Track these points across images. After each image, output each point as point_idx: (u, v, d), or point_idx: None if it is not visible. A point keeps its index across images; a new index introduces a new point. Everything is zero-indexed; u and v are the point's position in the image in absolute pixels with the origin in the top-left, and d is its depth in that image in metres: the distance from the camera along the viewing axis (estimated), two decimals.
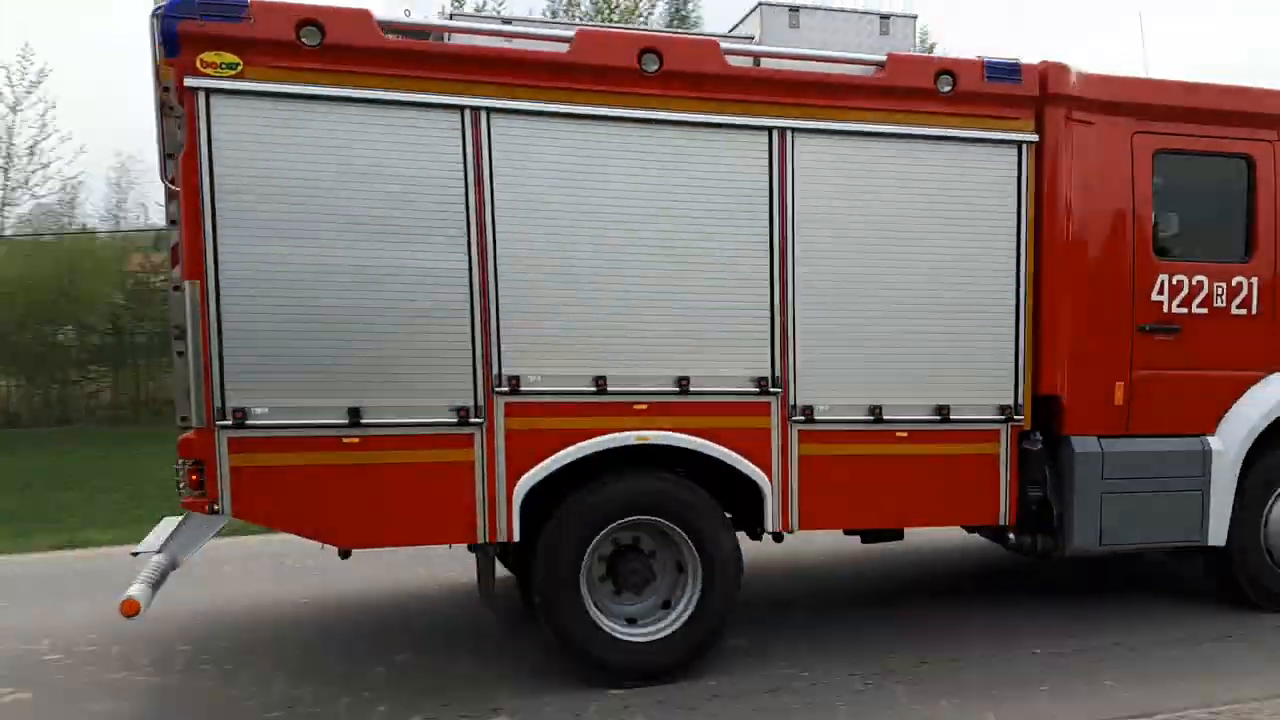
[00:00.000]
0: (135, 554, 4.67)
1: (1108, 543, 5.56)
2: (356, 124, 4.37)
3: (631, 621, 5.04)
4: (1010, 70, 5.26)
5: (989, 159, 5.28)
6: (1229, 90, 5.72)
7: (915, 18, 5.58)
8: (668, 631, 5.00)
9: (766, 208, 4.92)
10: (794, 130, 4.92)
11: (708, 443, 4.91)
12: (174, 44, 4.15)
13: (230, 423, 4.29)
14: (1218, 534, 5.73)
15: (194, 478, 4.34)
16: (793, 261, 4.96)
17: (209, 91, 4.18)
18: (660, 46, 4.77)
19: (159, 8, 4.17)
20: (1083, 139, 5.42)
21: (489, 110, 4.52)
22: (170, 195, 4.53)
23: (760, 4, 5.33)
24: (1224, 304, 5.77)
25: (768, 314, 4.95)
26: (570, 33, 4.73)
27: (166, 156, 4.60)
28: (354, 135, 4.37)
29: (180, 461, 4.38)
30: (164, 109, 4.53)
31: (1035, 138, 5.33)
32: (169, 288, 4.76)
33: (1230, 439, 5.75)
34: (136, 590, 4.14)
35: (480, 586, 5.16)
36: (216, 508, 4.35)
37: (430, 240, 4.48)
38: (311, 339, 4.39)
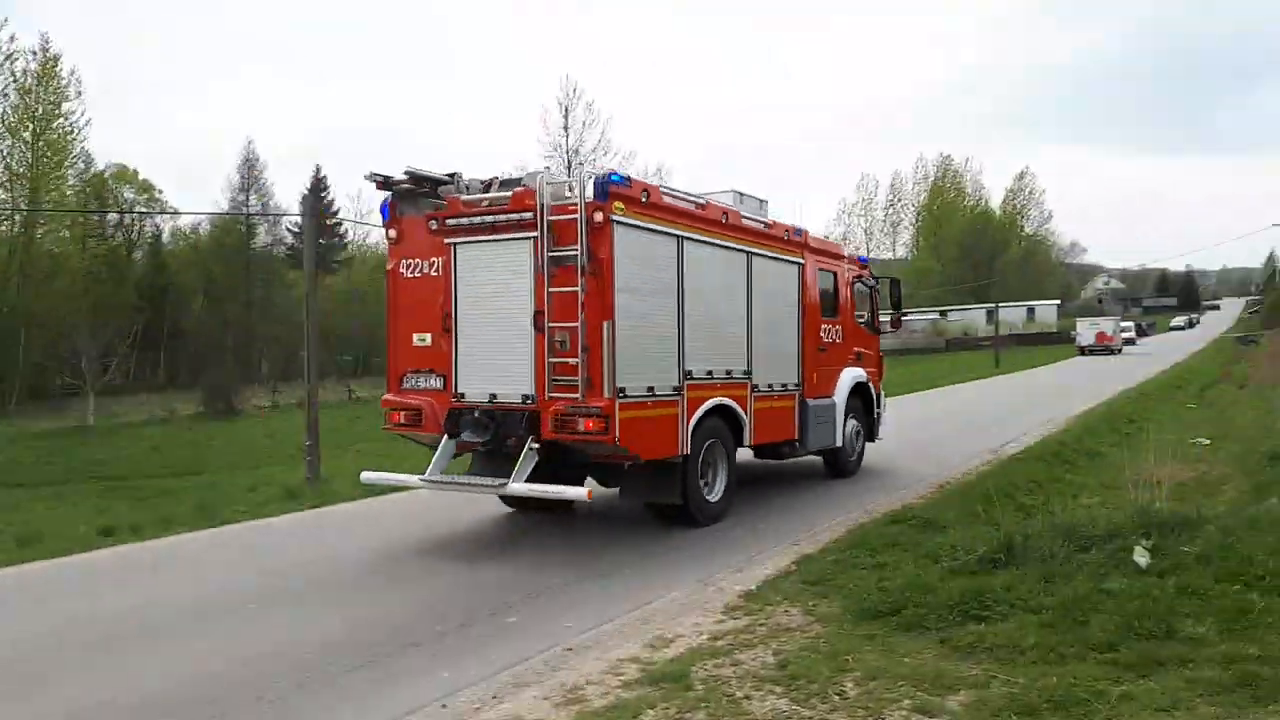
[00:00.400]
0: (427, 480, 8.84)
1: (813, 448, 11.83)
2: (653, 239, 8.81)
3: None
4: (800, 231, 11.59)
5: (789, 269, 11.36)
6: (829, 242, 13.31)
7: (766, 201, 11.39)
8: (718, 496, 9.74)
9: (786, 290, 11.31)
10: (757, 256, 10.50)
11: (733, 402, 9.90)
12: (604, 197, 8.18)
13: (619, 396, 8.26)
14: (839, 441, 12.41)
15: (595, 424, 8.15)
16: (763, 311, 10.59)
17: (609, 219, 8.22)
18: (729, 213, 9.99)
19: (601, 176, 8.27)
20: (812, 266, 11.86)
21: (682, 238, 9.13)
22: (582, 271, 8.16)
23: (732, 191, 10.90)
24: (832, 338, 12.43)
25: (753, 337, 10.37)
26: (703, 200, 9.61)
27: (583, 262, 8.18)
28: (655, 244, 8.83)
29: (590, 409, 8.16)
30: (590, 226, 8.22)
31: (803, 262, 11.62)
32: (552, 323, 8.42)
33: (839, 397, 12.46)
34: (578, 491, 8.26)
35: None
36: (614, 440, 8.21)
37: (668, 299, 9.01)
38: (645, 353, 8.62)
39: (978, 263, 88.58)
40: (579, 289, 8.12)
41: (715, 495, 9.64)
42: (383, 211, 9.39)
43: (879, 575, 6.70)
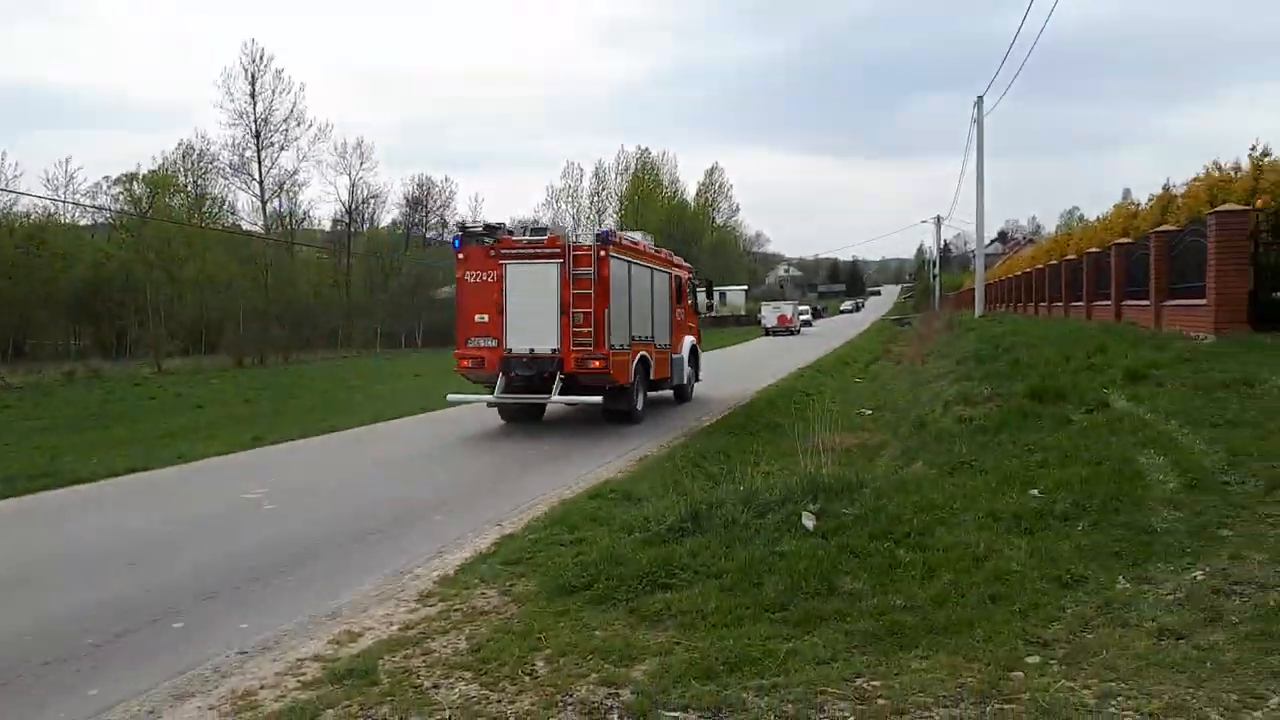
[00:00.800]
0: (496, 398, 15.02)
1: (673, 384, 18.36)
2: (620, 263, 15.30)
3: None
4: (672, 255, 19.15)
5: (666, 276, 17.99)
6: (680, 260, 19.79)
7: (650, 235, 19.25)
8: (641, 407, 16.12)
9: (665, 289, 18.06)
10: (655, 271, 17.33)
11: (648, 354, 16.43)
12: (607, 246, 14.69)
13: (612, 347, 14.68)
14: (684, 380, 18.82)
15: (600, 364, 14.47)
16: (630, 302, 15.90)
17: (608, 254, 14.67)
18: (645, 247, 17.19)
19: (598, 234, 14.92)
20: (675, 274, 18.67)
21: (629, 263, 15.78)
22: (590, 284, 14.53)
23: (642, 232, 19.00)
24: (681, 317, 18.90)
25: (652, 318, 17.01)
26: (640, 239, 17.43)
27: (593, 277, 14.70)
28: (625, 268, 15.51)
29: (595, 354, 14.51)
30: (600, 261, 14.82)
31: (671, 272, 18.42)
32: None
33: (685, 353, 18.86)
34: (593, 399, 15.02)
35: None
36: (608, 372, 14.61)
37: (624, 297, 15.45)
38: (619, 326, 15.02)
39: (676, 250, 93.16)
40: (591, 292, 14.61)
41: (640, 406, 16.25)
42: (455, 244, 15.38)
43: (576, 550, 6.72)
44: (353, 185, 79.54)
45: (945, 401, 13.05)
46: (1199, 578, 4.73)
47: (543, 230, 15.13)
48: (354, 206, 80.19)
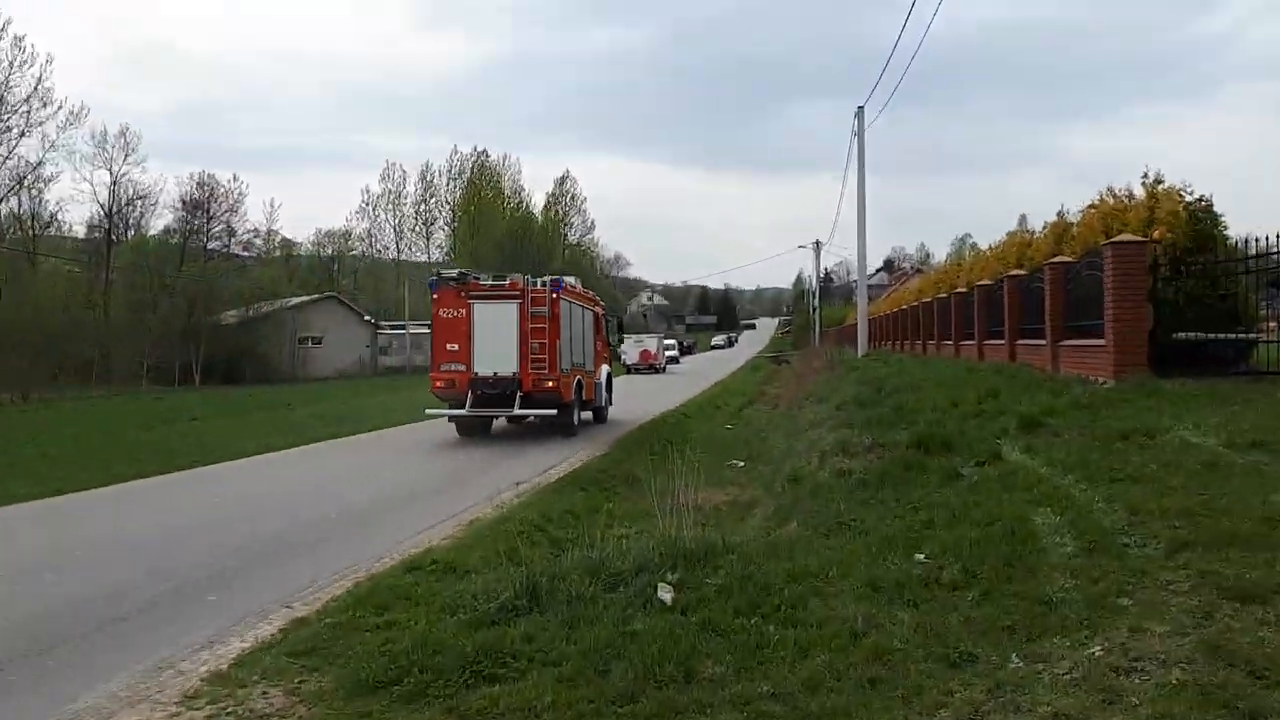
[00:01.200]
0: (467, 412, 21.17)
1: (596, 405, 25.31)
2: (568, 305, 22.89)
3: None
4: (595, 296, 28.03)
5: (591, 313, 25.69)
6: (598, 299, 28.16)
7: (578, 279, 27.65)
8: (578, 422, 23.03)
9: (590, 324, 25.55)
10: (585, 309, 25.01)
11: (583, 378, 23.69)
12: (558, 291, 21.73)
13: (561, 373, 21.52)
14: (603, 402, 26.04)
15: (553, 385, 21.04)
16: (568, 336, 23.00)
17: (559, 297, 21.73)
18: (579, 290, 25.13)
19: (552, 280, 22.03)
20: (596, 311, 26.58)
21: (569, 303, 22.85)
22: (545, 320, 21.33)
23: (576, 277, 27.46)
24: (599, 348, 26.28)
25: (584, 349, 24.30)
26: (574, 283, 25.06)
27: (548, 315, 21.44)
28: (568, 308, 22.78)
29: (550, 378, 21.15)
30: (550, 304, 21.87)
31: (595, 310, 26.53)
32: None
33: (603, 379, 26.19)
34: (549, 410, 21.86)
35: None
36: (559, 393, 21.29)
37: (568, 330, 22.52)
38: (567, 354, 22.32)
39: (523, 271, 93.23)
40: (546, 326, 20.78)
41: (577, 421, 22.49)
42: (431, 286, 21.71)
43: (384, 637, 6.52)
44: (114, 182, 75.95)
45: (823, 452, 13.47)
46: (1097, 654, 4.97)
47: (503, 276, 21.73)
48: (115, 208, 76.66)
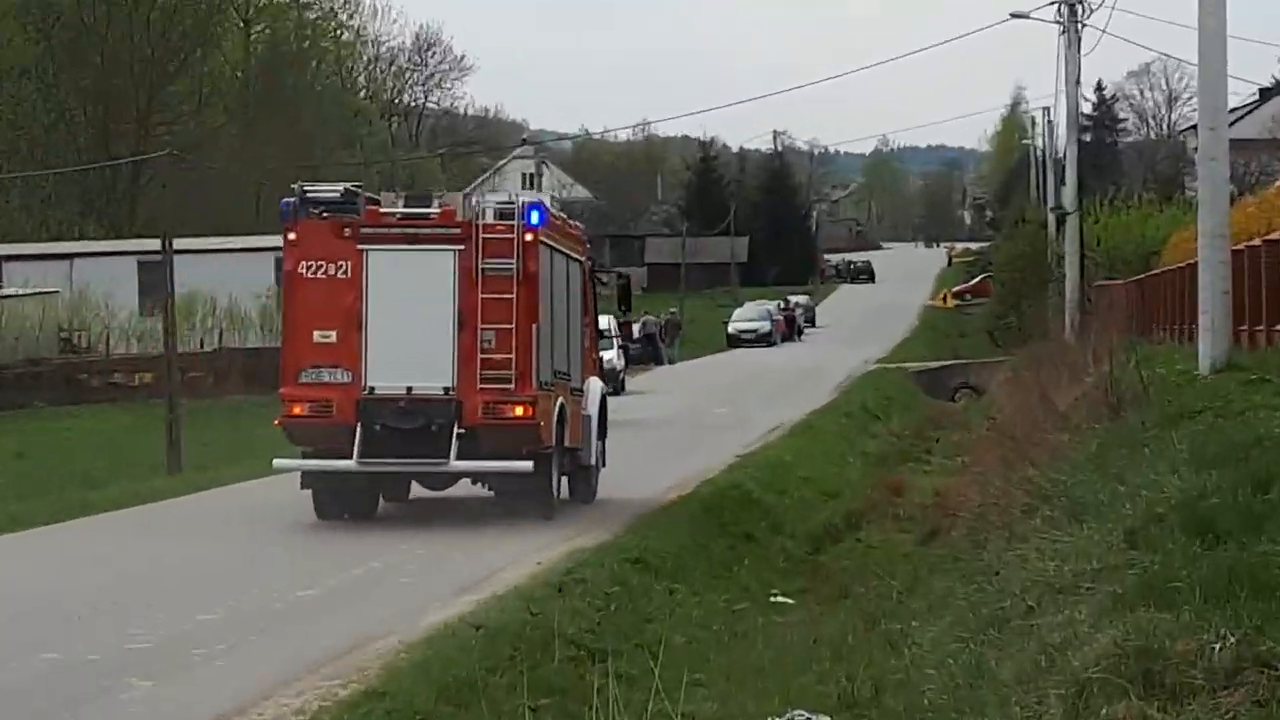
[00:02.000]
0: (361, 463, 12.35)
1: (578, 464, 15.38)
2: (550, 255, 14.15)
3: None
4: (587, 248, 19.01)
5: (577, 265, 15.63)
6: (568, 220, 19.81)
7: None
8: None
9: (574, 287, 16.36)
10: (570, 259, 15.12)
11: (566, 405, 14.38)
12: (538, 225, 13.09)
13: (541, 384, 13.05)
14: (589, 458, 15.29)
15: (527, 411, 12.19)
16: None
17: (537, 239, 13.03)
18: (556, 214, 16.31)
19: (525, 205, 13.34)
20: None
21: (551, 248, 13.93)
22: (511, 285, 13.12)
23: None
24: (587, 342, 16.46)
25: (568, 342, 15.07)
26: (572, 226, 16.70)
27: (516, 274, 13.39)
28: (550, 260, 14.11)
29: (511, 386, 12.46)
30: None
31: (588, 263, 17.48)
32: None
33: (588, 408, 15.19)
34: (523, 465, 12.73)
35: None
36: (537, 428, 12.51)
37: (559, 305, 14.26)
38: (549, 352, 13.34)
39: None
40: (513, 296, 12.24)
41: (558, 490, 14.60)
42: (283, 214, 11.96)
43: None
44: None
45: (1081, 684, 4.25)
46: None
47: (428, 199, 12.86)
48: None
